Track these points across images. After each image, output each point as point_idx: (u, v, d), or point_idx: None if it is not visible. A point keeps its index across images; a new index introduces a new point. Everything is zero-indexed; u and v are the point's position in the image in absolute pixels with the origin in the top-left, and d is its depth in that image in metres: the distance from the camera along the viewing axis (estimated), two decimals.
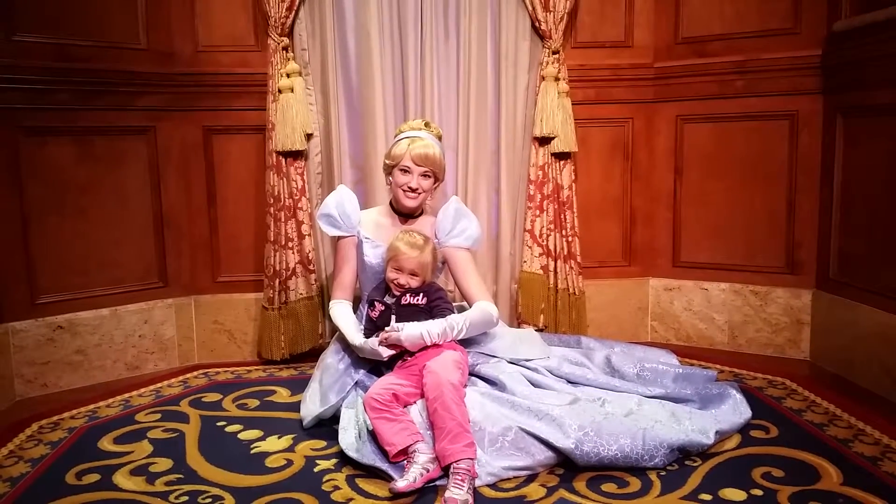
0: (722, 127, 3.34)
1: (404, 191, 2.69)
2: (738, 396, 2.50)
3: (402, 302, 2.53)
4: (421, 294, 2.54)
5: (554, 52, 3.22)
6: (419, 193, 2.70)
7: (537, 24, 3.21)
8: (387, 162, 2.76)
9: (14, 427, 2.59)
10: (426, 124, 2.81)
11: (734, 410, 2.43)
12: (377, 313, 2.55)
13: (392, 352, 2.42)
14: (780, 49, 3.15)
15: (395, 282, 2.54)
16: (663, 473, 2.16)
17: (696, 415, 2.35)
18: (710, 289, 3.40)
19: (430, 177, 2.70)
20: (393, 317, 2.50)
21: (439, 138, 2.80)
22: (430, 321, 2.44)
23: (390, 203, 2.82)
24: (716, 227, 3.39)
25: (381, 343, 2.42)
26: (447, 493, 2.00)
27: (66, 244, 3.01)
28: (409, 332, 2.39)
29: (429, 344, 2.39)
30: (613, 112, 3.44)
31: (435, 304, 2.52)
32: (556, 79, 3.22)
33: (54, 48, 2.91)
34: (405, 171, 2.68)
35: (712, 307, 3.40)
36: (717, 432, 2.28)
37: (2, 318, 2.86)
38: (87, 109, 3.01)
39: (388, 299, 2.56)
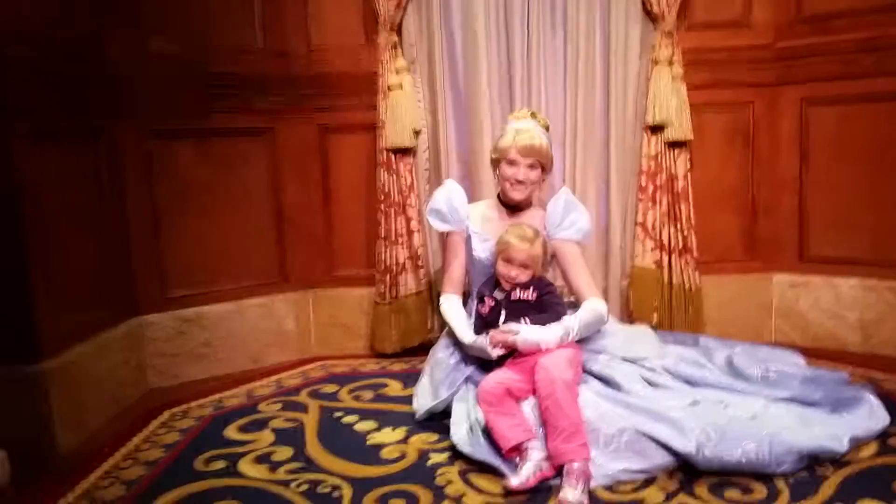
0: (850, 109, 3.13)
1: (511, 183, 2.67)
2: (874, 401, 2.33)
3: (512, 297, 2.50)
4: (531, 288, 2.50)
5: (667, 35, 3.10)
6: (526, 185, 2.67)
7: (649, 6, 3.11)
8: (493, 155, 2.74)
9: (148, 414, 2.77)
10: (532, 114, 2.76)
11: (870, 416, 2.27)
12: (487, 309, 2.53)
13: (501, 352, 2.41)
14: None
15: (506, 275, 2.51)
16: (792, 481, 2.04)
17: (828, 420, 2.21)
18: (840, 285, 3.19)
19: (536, 168, 2.67)
20: (503, 312, 2.48)
21: (546, 128, 2.75)
22: (548, 327, 2.39)
23: (498, 196, 2.80)
24: (845, 218, 3.17)
25: (493, 345, 2.40)
26: (561, 494, 1.98)
27: (192, 241, 3.16)
28: (525, 337, 2.35)
29: (544, 350, 2.35)
30: (732, 96, 3.28)
31: (545, 299, 2.49)
32: (670, 63, 3.10)
33: (180, 54, 3.04)
34: (512, 163, 2.65)
35: (842, 304, 3.19)
36: (850, 439, 2.14)
37: (137, 311, 3.05)
38: (211, 112, 3.14)
39: (498, 294, 2.54)
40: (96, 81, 2.84)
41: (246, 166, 3.28)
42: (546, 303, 2.48)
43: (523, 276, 2.50)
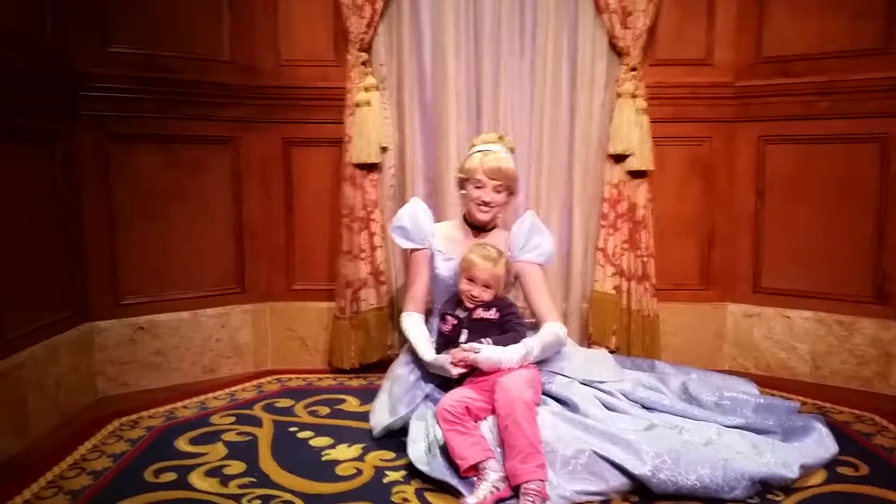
0: (806, 149, 3.23)
1: (477, 205, 2.68)
2: (824, 430, 2.39)
3: (474, 316, 2.51)
4: (493, 308, 2.51)
5: (631, 70, 3.18)
6: (493, 207, 2.69)
7: (615, 41, 3.18)
8: (460, 175, 2.75)
9: (97, 422, 2.69)
10: (500, 137, 2.79)
11: (819, 444, 2.32)
12: (449, 327, 2.54)
13: (462, 370, 2.41)
14: (869, 70, 3.03)
15: (468, 294, 2.52)
16: None
17: (779, 447, 2.26)
18: (793, 317, 3.28)
19: (503, 190, 2.69)
20: (464, 331, 2.49)
21: (512, 151, 2.78)
22: (509, 347, 2.39)
23: (463, 216, 2.81)
24: (799, 252, 3.27)
25: (455, 363, 2.40)
26: None
27: (149, 248, 3.11)
28: (487, 356, 2.35)
29: (511, 366, 2.36)
30: (692, 131, 3.37)
31: (507, 319, 2.50)
32: (633, 96, 3.17)
33: (145, 59, 3.02)
34: (479, 184, 2.67)
35: (794, 336, 3.28)
36: (801, 466, 2.18)
37: (88, 316, 2.97)
38: (174, 118, 3.11)
39: (460, 313, 2.55)
40: (55, 84, 2.79)
41: (208, 174, 3.24)
42: (508, 323, 2.49)
43: (486, 295, 2.51)
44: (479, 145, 2.75)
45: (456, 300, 2.60)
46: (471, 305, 2.52)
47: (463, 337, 2.48)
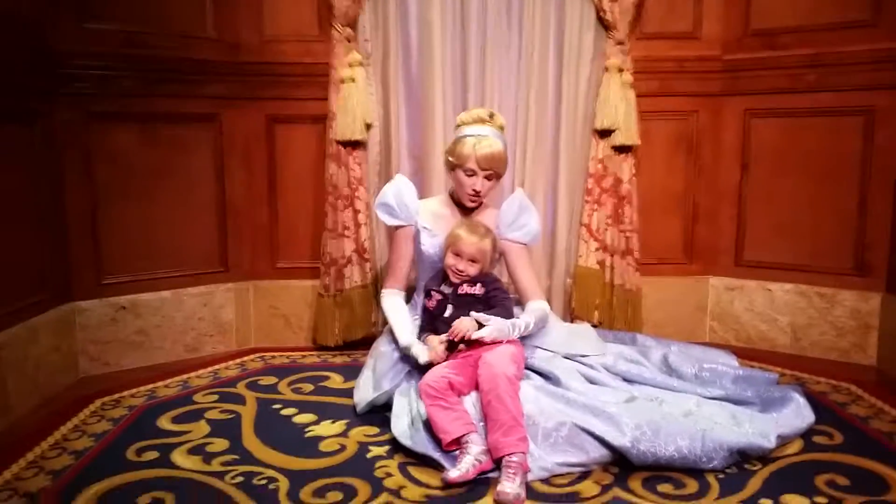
0: (792, 122, 3.22)
1: (469, 194, 2.66)
2: (801, 400, 2.41)
3: (459, 292, 2.51)
4: (478, 284, 2.51)
5: (618, 43, 3.16)
6: (482, 196, 2.68)
7: (602, 14, 3.15)
8: (450, 159, 2.70)
9: (79, 402, 2.68)
10: (490, 115, 2.72)
11: (796, 414, 2.35)
12: (434, 303, 2.53)
13: (428, 359, 2.40)
14: (857, 42, 3.02)
15: (454, 268, 2.51)
16: (722, 476, 2.10)
17: (757, 418, 2.27)
18: (774, 289, 3.30)
19: (493, 178, 2.67)
20: (449, 306, 2.48)
21: (502, 129, 2.75)
22: (510, 320, 2.41)
23: (450, 194, 2.80)
24: (782, 225, 3.27)
25: (454, 338, 2.36)
26: (499, 487, 1.99)
27: (131, 227, 3.08)
28: (497, 327, 2.34)
29: (511, 338, 2.37)
30: (678, 105, 3.36)
31: (492, 294, 2.50)
32: (620, 70, 3.15)
33: (124, 36, 2.96)
34: (469, 172, 2.64)
35: (775, 308, 3.30)
36: (778, 436, 2.20)
37: (69, 296, 2.95)
38: (155, 96, 3.07)
39: (445, 288, 2.54)
40: (33, 62, 2.73)
41: (190, 153, 3.20)
42: (493, 298, 2.49)
43: (472, 270, 2.51)
44: (469, 125, 2.69)
45: (441, 276, 2.60)
46: (456, 280, 2.52)
47: (448, 312, 2.48)
